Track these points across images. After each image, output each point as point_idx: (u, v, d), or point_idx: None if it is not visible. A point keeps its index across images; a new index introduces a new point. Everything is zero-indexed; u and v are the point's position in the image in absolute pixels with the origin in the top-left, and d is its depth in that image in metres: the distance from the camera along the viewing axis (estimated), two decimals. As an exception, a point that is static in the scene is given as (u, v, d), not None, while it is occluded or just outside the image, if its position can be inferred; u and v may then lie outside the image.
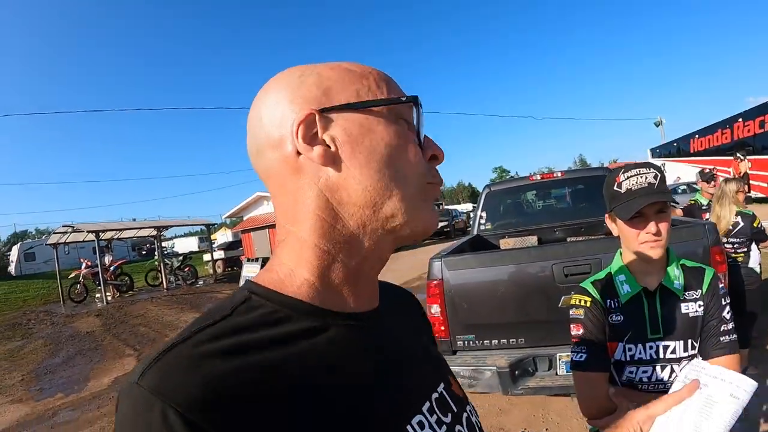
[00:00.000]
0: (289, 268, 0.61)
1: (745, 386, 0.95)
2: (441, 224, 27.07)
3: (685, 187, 21.04)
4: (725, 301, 1.51)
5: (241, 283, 12.08)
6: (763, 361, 4.63)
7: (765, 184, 19.53)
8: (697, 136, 25.66)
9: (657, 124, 40.45)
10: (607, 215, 1.58)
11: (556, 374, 3.32)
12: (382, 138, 0.61)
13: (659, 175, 1.43)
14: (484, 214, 5.90)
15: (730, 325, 1.48)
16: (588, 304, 1.57)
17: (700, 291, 1.50)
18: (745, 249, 4.42)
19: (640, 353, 1.51)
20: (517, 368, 3.32)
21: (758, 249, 4.53)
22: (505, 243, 5.54)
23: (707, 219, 4.97)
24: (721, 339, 1.46)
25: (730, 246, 4.41)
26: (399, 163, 0.61)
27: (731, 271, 4.17)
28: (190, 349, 0.49)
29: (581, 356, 1.53)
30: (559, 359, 3.31)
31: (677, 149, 28.20)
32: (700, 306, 1.49)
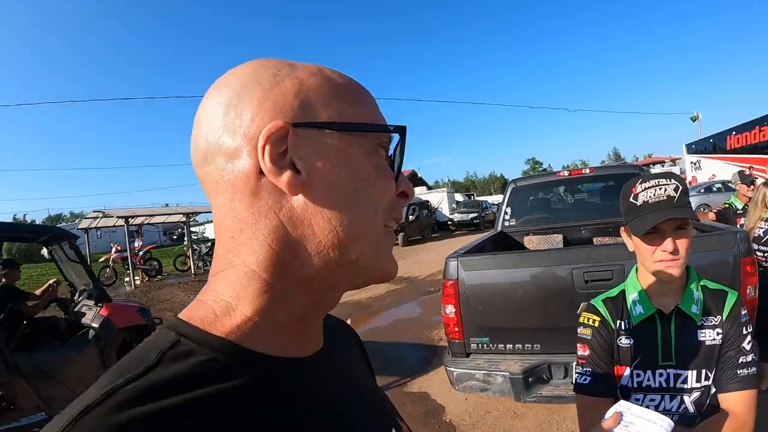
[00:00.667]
0: (228, 304, 0.52)
1: (667, 426, 1.01)
2: (471, 216, 26.97)
3: (720, 185, 20.47)
4: (747, 330, 1.40)
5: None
6: None
7: None
8: (734, 132, 24.83)
9: (693, 119, 39.36)
10: (622, 229, 1.48)
11: (572, 383, 3.18)
12: (360, 170, 0.53)
13: (680, 188, 1.31)
14: (509, 210, 5.76)
15: (750, 357, 1.37)
16: (596, 324, 1.49)
17: (719, 317, 1.39)
18: None
19: (648, 380, 1.42)
20: (531, 375, 3.22)
21: None
22: (530, 240, 5.42)
23: (741, 224, 4.77)
24: (739, 372, 1.35)
25: (761, 254, 4.21)
26: (373, 201, 0.54)
27: (761, 281, 3.98)
28: (107, 416, 0.40)
29: (585, 379, 1.46)
30: (575, 368, 3.16)
31: (713, 146, 27.34)
32: (718, 334, 1.38)
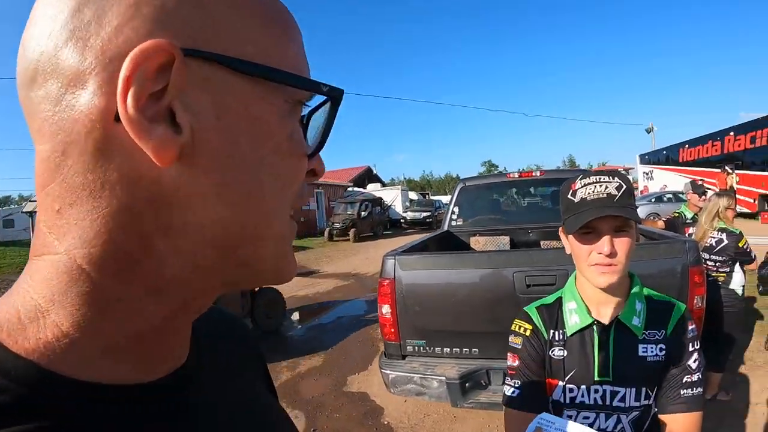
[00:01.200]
0: (37, 305, 0.34)
1: None
2: (424, 215, 27.21)
3: (671, 195, 21.08)
4: (694, 346, 1.27)
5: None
6: (734, 387, 4.51)
7: (751, 200, 19.77)
8: (687, 145, 25.91)
9: (648, 131, 40.87)
10: (560, 229, 1.34)
11: None
12: (271, 137, 0.36)
13: (624, 187, 1.18)
14: (456, 210, 5.65)
15: (696, 376, 1.24)
16: (528, 333, 1.35)
17: (663, 331, 1.27)
18: (728, 269, 4.18)
19: (582, 396, 1.27)
20: (468, 380, 3.09)
21: (743, 271, 4.30)
22: (476, 241, 5.34)
23: (690, 234, 4.75)
24: (683, 393, 1.23)
25: (712, 264, 4.18)
26: (282, 182, 0.38)
27: (710, 290, 3.95)
28: None
29: (514, 391, 1.32)
30: (505, 379, 3.03)
31: (666, 157, 28.37)
32: (661, 350, 1.25)
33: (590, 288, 1.26)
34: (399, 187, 35.17)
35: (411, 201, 32.61)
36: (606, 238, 1.16)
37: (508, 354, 1.38)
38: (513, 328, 1.39)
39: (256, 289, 6.78)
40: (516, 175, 5.62)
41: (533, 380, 1.31)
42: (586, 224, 1.16)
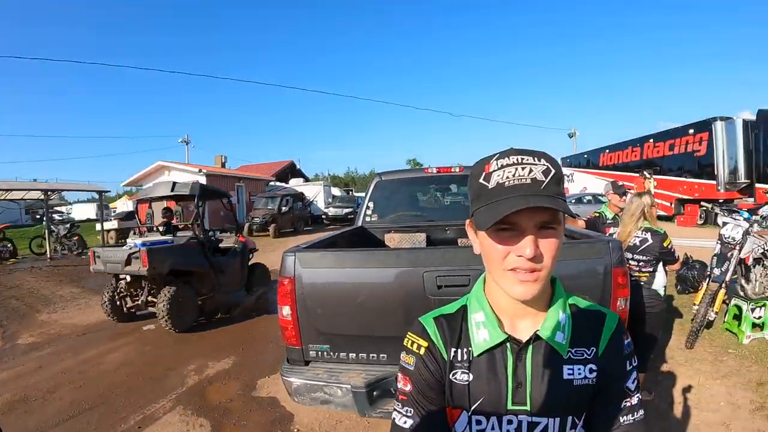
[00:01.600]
0: None
1: None
2: (346, 211, 26.94)
3: (590, 197, 21.89)
4: (631, 364, 1.06)
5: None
6: (656, 386, 4.59)
7: (668, 203, 20.95)
8: (607, 150, 27.12)
9: (571, 135, 42.74)
10: (468, 222, 1.04)
11: None
12: None
13: (553, 172, 0.92)
14: (371, 205, 5.44)
15: (635, 399, 1.04)
16: (422, 351, 1.08)
17: (594, 349, 1.04)
18: (651, 269, 4.16)
19: (492, 429, 1.02)
20: (375, 388, 2.84)
21: (665, 271, 4.28)
22: (390, 238, 5.14)
23: (611, 233, 4.72)
24: (622, 420, 1.02)
25: (635, 264, 4.14)
26: None
27: (634, 291, 3.90)
28: None
29: (405, 421, 1.06)
30: (395, 404, 2.81)
31: (587, 161, 29.52)
32: (592, 371, 1.02)
33: (503, 297, 1.01)
34: (322, 182, 34.75)
35: (334, 197, 32.29)
36: (529, 238, 0.89)
37: (399, 375, 1.11)
38: (405, 343, 1.12)
39: (250, 263, 9.14)
40: (434, 170, 5.44)
41: (430, 410, 1.05)
42: (504, 218, 0.88)
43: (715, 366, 4.99)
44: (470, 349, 1.04)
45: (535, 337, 1.01)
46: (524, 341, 1.01)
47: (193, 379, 5.18)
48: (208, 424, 4.13)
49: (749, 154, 18.31)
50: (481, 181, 0.94)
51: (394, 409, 1.09)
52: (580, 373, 1.01)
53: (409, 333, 1.12)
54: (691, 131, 20.42)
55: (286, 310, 2.95)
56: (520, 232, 0.90)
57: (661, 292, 4.21)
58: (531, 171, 0.90)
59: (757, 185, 17.53)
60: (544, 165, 0.91)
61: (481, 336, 1.03)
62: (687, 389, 4.48)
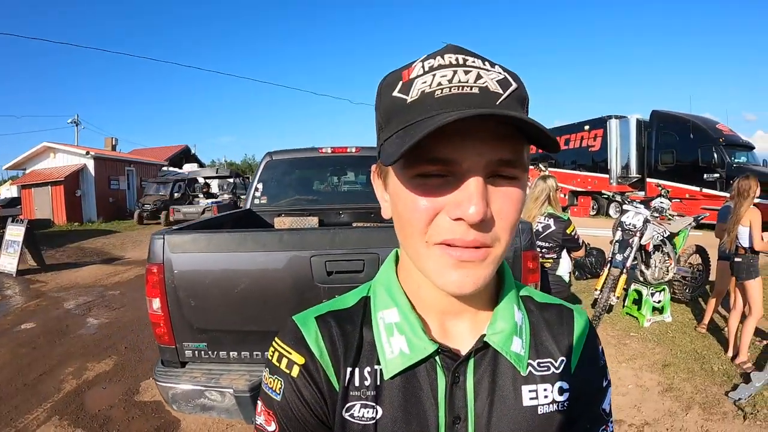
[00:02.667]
0: None
1: None
2: (242, 197, 26.16)
3: None
4: (607, 378, 0.74)
5: (4, 248, 10.06)
6: None
7: (563, 195, 22.02)
8: None
9: None
10: (374, 167, 0.69)
11: None
12: None
13: (514, 86, 0.55)
14: (260, 186, 4.99)
15: (611, 425, 0.73)
16: (295, 373, 0.67)
17: (563, 360, 0.70)
18: (555, 255, 4.05)
19: None
20: None
21: (570, 257, 4.20)
22: (281, 222, 4.77)
23: None
24: None
25: (539, 249, 4.02)
26: None
27: (542, 277, 3.79)
28: None
29: None
30: None
31: None
32: (562, 391, 0.68)
33: (428, 286, 0.64)
34: (215, 167, 33.53)
35: (228, 183, 31.46)
36: (474, 185, 0.52)
37: (259, 405, 0.71)
38: (269, 356, 0.71)
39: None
40: (329, 151, 5.07)
41: None
42: (431, 150, 0.52)
43: (620, 349, 5.06)
44: (377, 367, 0.66)
45: (481, 347, 0.65)
46: (463, 353, 0.65)
47: (70, 383, 4.59)
48: (86, 436, 3.63)
49: (641, 151, 19.37)
50: (396, 94, 0.56)
51: None
52: (546, 396, 0.67)
53: (276, 339, 0.71)
54: (587, 127, 21.41)
55: (156, 303, 2.51)
56: (458, 178, 0.53)
57: (566, 278, 4.15)
58: (479, 77, 0.53)
59: (648, 180, 18.61)
60: (499, 73, 0.55)
61: (396, 346, 0.65)
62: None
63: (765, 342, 5.08)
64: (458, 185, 0.53)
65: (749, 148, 17.37)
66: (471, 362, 0.65)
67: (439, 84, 0.53)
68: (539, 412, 0.66)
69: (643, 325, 5.75)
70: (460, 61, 0.54)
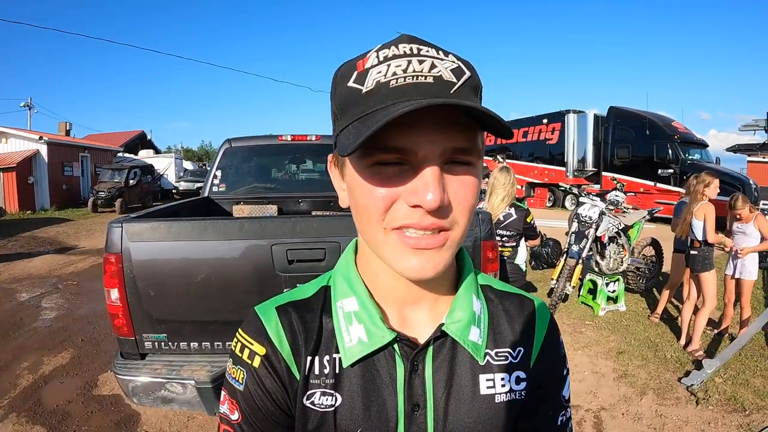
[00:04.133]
0: None
1: None
2: (198, 185, 25.59)
3: None
4: (566, 367, 0.76)
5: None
6: None
7: (520, 186, 22.36)
8: None
9: None
10: (330, 157, 0.67)
11: None
12: None
13: (468, 75, 0.56)
14: (219, 174, 4.92)
15: (569, 410, 0.76)
16: (256, 363, 0.68)
17: (521, 350, 0.71)
18: (514, 244, 4.14)
19: None
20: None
21: (526, 246, 4.30)
22: (239, 210, 4.72)
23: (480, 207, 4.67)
24: None
25: (499, 238, 4.09)
26: None
27: (500, 267, 3.87)
28: None
29: None
30: None
31: None
32: (519, 381, 0.70)
33: (387, 273, 0.66)
34: (173, 155, 32.91)
35: (186, 170, 30.80)
36: (431, 174, 0.53)
37: (223, 394, 0.72)
38: (233, 347, 0.72)
39: None
40: (289, 138, 5.01)
41: None
42: (387, 140, 0.52)
43: (575, 337, 5.21)
44: (336, 356, 0.67)
45: (439, 335, 0.67)
46: (422, 342, 0.66)
47: (26, 379, 4.47)
48: (44, 432, 3.56)
49: (598, 146, 19.90)
50: (350, 84, 0.56)
51: None
52: (503, 385, 0.68)
53: (239, 331, 0.72)
54: (545, 121, 21.86)
55: (114, 294, 2.47)
56: (414, 166, 0.54)
57: (523, 267, 4.26)
58: (434, 66, 0.54)
59: (604, 173, 19.11)
60: (453, 62, 0.56)
61: (355, 335, 0.66)
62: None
63: (716, 331, 5.31)
64: (415, 173, 0.54)
65: (703, 145, 18.03)
66: (430, 351, 0.67)
67: (394, 74, 0.53)
68: (496, 401, 0.68)
69: (598, 314, 5.93)
70: (414, 51, 0.55)
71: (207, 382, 2.43)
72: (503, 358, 0.70)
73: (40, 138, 21.86)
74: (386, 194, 0.55)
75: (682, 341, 4.92)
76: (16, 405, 3.97)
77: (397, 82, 0.53)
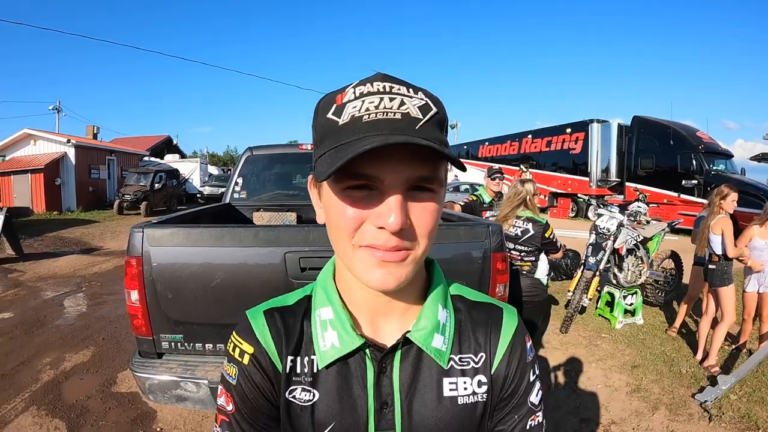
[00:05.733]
0: None
1: None
2: (222, 190, 26.04)
3: (468, 186, 22.59)
4: (535, 372, 0.81)
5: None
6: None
7: (543, 196, 22.32)
8: (487, 143, 28.39)
9: (452, 127, 44.42)
10: (310, 178, 0.76)
11: None
12: None
13: (434, 111, 0.63)
14: (240, 181, 5.05)
15: (540, 415, 0.80)
16: (245, 360, 0.77)
17: (483, 356, 0.78)
18: (533, 258, 4.12)
19: None
20: None
21: (548, 260, 4.28)
22: (259, 217, 4.81)
23: (487, 217, 4.68)
24: None
25: (517, 253, 4.10)
26: None
27: (512, 280, 3.86)
28: None
29: None
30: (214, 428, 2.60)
31: (467, 152, 30.58)
32: (481, 384, 0.76)
33: (358, 286, 0.74)
34: (198, 159, 33.27)
35: (210, 175, 31.13)
36: (394, 200, 0.60)
37: (220, 388, 0.81)
38: (228, 347, 0.82)
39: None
40: (309, 147, 5.09)
41: None
42: (358, 169, 0.59)
43: (590, 350, 5.16)
44: (314, 357, 0.77)
45: (404, 341, 0.74)
46: (388, 347, 0.74)
47: (48, 374, 4.59)
48: (63, 427, 3.64)
49: (621, 156, 19.73)
50: (329, 116, 0.63)
51: None
52: (466, 388, 0.76)
53: (233, 333, 0.81)
54: (569, 130, 21.68)
55: (134, 295, 2.56)
56: (381, 192, 0.61)
57: (544, 281, 4.22)
58: (402, 104, 0.61)
59: (627, 184, 18.87)
60: (422, 99, 0.63)
61: (329, 340, 0.75)
62: (565, 373, 4.57)
63: (734, 347, 5.22)
64: (382, 199, 0.61)
65: (728, 156, 17.70)
66: (398, 355, 0.75)
67: (367, 109, 0.60)
68: (459, 402, 0.75)
69: (614, 327, 5.87)
70: (387, 89, 0.62)
71: (219, 381, 2.48)
72: (466, 363, 0.77)
73: (68, 141, 22.32)
74: (356, 215, 0.62)
75: (699, 356, 4.85)
76: (37, 398, 4.08)
77: (369, 117, 0.60)
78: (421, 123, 0.60)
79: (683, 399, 4.03)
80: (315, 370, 0.76)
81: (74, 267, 9.70)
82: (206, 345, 2.68)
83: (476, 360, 0.78)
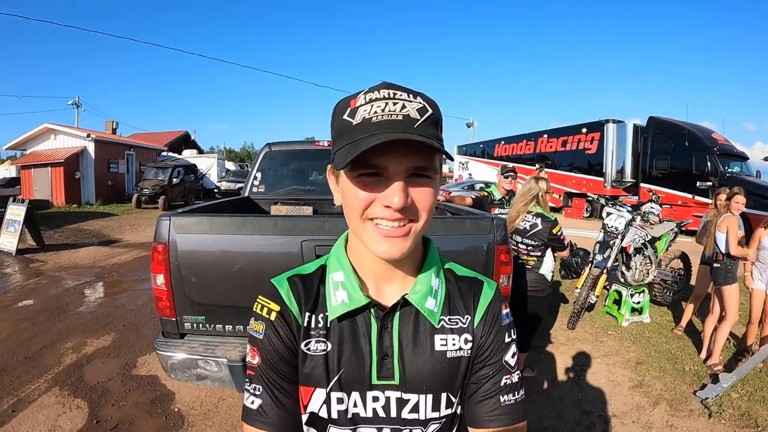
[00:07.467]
0: None
1: None
2: (239, 185, 26.14)
3: (483, 185, 22.66)
4: (510, 336, 0.96)
5: (5, 227, 10.18)
6: (540, 364, 4.77)
7: (557, 196, 22.23)
8: (503, 142, 28.30)
9: (468, 125, 44.12)
10: (329, 167, 0.91)
11: None
12: None
13: (430, 112, 0.80)
14: (258, 175, 5.24)
15: (516, 376, 0.94)
16: (273, 317, 0.91)
17: (469, 317, 0.94)
18: (539, 253, 4.22)
19: (356, 407, 0.90)
20: None
21: (554, 257, 4.39)
22: (277, 210, 4.96)
23: (497, 213, 4.79)
24: (502, 400, 0.91)
25: (524, 247, 4.19)
26: None
27: (518, 273, 3.96)
28: None
29: (254, 402, 0.91)
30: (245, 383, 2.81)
31: (482, 151, 30.53)
32: (467, 341, 0.93)
33: (367, 255, 0.89)
34: (216, 155, 33.41)
35: (227, 171, 31.43)
36: (397, 185, 0.77)
37: (248, 346, 0.95)
38: (255, 308, 0.95)
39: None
40: (326, 144, 5.27)
41: (280, 385, 0.90)
42: (368, 161, 0.76)
43: (596, 346, 5.26)
44: (326, 314, 0.92)
45: (403, 303, 0.90)
46: (390, 307, 0.90)
47: (70, 357, 4.79)
48: (85, 406, 3.83)
49: (636, 156, 19.61)
50: (345, 117, 0.80)
51: (245, 388, 0.93)
52: (454, 344, 0.92)
53: (259, 297, 0.95)
54: (584, 130, 21.58)
55: (159, 279, 2.74)
56: (387, 178, 0.78)
57: (549, 277, 4.29)
58: (404, 107, 0.77)
59: (642, 185, 18.77)
60: (420, 103, 0.79)
61: (339, 298, 0.90)
62: (569, 367, 4.68)
63: (740, 345, 5.27)
64: (388, 184, 0.78)
65: (743, 158, 17.51)
66: (397, 314, 0.91)
67: (375, 112, 0.77)
68: (448, 356, 0.92)
69: (621, 324, 5.95)
70: (390, 95, 0.79)
71: (238, 360, 2.66)
72: (454, 323, 0.94)
73: (88, 135, 22.65)
74: (366, 197, 0.79)
75: (703, 355, 4.92)
76: (60, 379, 4.27)
77: (376, 118, 0.77)
78: (418, 123, 0.77)
79: (684, 395, 4.11)
80: (328, 325, 0.91)
81: (94, 258, 9.94)
82: (226, 326, 2.84)
83: (463, 321, 0.94)
